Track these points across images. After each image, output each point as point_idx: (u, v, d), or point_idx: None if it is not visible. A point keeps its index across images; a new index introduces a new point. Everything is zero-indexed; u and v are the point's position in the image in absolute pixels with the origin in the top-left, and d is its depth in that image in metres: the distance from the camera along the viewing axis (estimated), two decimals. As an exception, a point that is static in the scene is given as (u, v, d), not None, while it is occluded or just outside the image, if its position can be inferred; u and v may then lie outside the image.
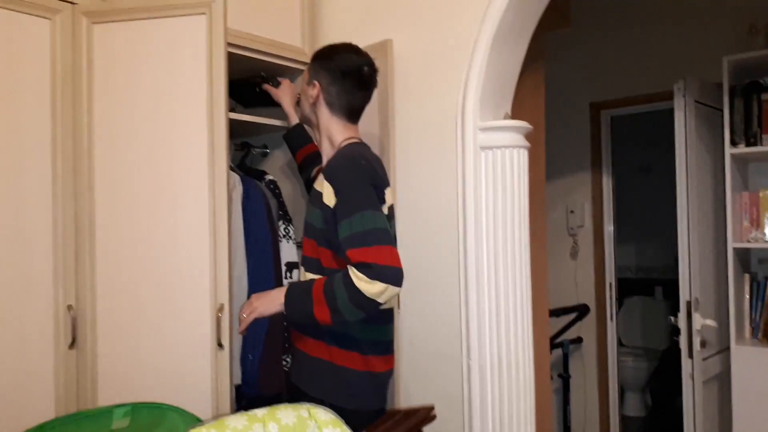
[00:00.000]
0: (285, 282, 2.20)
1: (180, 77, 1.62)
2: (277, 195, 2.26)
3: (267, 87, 2.14)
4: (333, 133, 1.66)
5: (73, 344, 1.61)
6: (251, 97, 2.21)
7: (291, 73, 2.28)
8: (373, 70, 1.67)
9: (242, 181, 2.07)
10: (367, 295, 1.40)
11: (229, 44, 1.73)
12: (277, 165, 2.38)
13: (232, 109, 2.15)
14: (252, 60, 2.08)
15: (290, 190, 2.31)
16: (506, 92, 1.97)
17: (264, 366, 2.00)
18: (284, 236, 2.24)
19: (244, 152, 2.34)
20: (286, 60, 2.20)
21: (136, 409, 1.39)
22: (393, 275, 1.40)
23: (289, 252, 2.25)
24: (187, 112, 1.61)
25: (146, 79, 1.62)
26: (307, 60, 2.25)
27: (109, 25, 1.62)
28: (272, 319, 2.05)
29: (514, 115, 2.01)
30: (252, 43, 2.03)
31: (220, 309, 1.58)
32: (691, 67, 3.01)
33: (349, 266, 1.43)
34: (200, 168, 1.60)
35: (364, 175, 1.51)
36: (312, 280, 1.52)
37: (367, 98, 1.70)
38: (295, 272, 2.24)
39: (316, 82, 1.65)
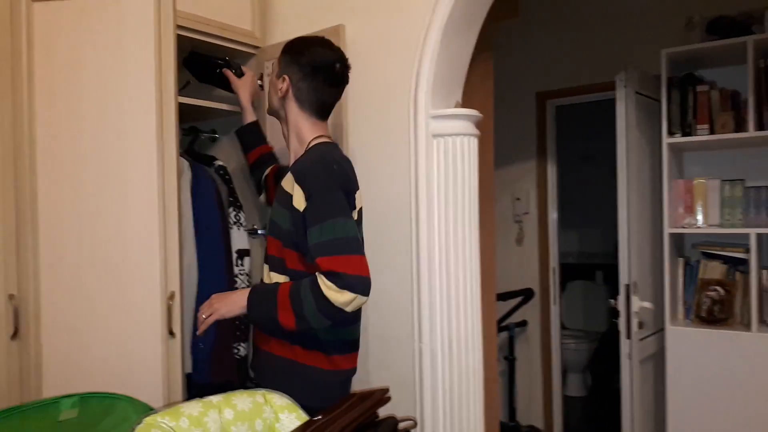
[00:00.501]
0: (236, 269, 2.19)
1: (127, 59, 1.57)
2: (227, 181, 2.23)
3: (227, 73, 2.07)
4: (302, 130, 1.63)
5: (15, 335, 1.56)
6: (209, 76, 2.16)
7: (241, 57, 2.25)
8: (345, 67, 1.64)
9: (191, 167, 2.04)
10: (335, 304, 1.39)
11: (178, 26, 1.69)
12: (227, 150, 2.35)
13: (183, 87, 2.11)
14: (201, 42, 2.04)
15: (240, 175, 2.29)
16: (457, 81, 2.00)
17: (215, 354, 1.99)
18: (235, 223, 2.22)
19: (192, 137, 2.29)
20: (236, 43, 2.17)
21: (85, 399, 1.36)
22: (362, 285, 1.40)
23: (239, 239, 2.23)
24: (135, 95, 1.57)
25: (91, 60, 1.57)
26: (258, 44, 2.24)
27: (50, 3, 1.55)
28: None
29: (464, 103, 2.04)
30: (201, 25, 1.99)
31: (171, 297, 1.55)
32: (631, 58, 3.12)
33: (318, 274, 1.42)
34: (149, 153, 1.56)
35: (336, 180, 1.49)
36: (277, 284, 1.51)
37: (338, 95, 1.67)
38: (246, 260, 2.23)
39: (286, 76, 1.61)
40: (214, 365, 1.96)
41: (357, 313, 1.62)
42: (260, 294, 1.50)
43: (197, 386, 1.89)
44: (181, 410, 1.16)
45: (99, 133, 1.57)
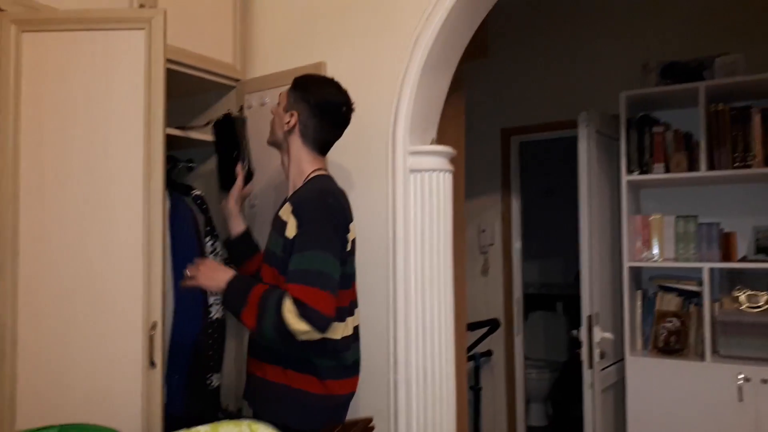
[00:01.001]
0: (211, 299, 2.19)
1: (116, 91, 1.59)
2: (205, 210, 2.25)
3: (239, 172, 1.95)
4: (302, 163, 1.69)
5: (-11, 365, 1.53)
6: (227, 150, 2.01)
7: (221, 89, 2.29)
8: (350, 110, 1.71)
9: (169, 196, 2.05)
10: (289, 328, 1.44)
11: (165, 59, 1.72)
12: (204, 179, 2.36)
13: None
14: (184, 75, 2.07)
15: (217, 205, 2.30)
16: (433, 118, 2.09)
17: (189, 385, 1.98)
18: (211, 252, 2.23)
19: (170, 166, 2.30)
20: (216, 76, 2.21)
21: (64, 430, 1.34)
22: (320, 322, 1.45)
23: (215, 268, 2.23)
24: (123, 126, 1.58)
25: (80, 90, 1.58)
26: (238, 77, 2.28)
27: (40, 34, 1.57)
28: (197, 339, 2.03)
29: (438, 140, 2.12)
30: (185, 58, 2.03)
31: (153, 327, 1.55)
32: (592, 99, 3.29)
33: (286, 294, 1.47)
34: (135, 183, 1.58)
35: (330, 216, 1.55)
36: (256, 282, 1.59)
37: (339, 135, 1.74)
38: (221, 288, 2.23)
39: (295, 112, 1.67)
40: (188, 397, 1.96)
41: (348, 340, 1.64)
42: (239, 283, 1.58)
43: (170, 418, 1.87)
44: (170, 441, 1.16)
45: (85, 164, 1.58)
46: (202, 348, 2.03)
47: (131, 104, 1.58)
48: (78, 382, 1.53)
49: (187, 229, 2.09)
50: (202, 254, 2.12)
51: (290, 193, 1.70)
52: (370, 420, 1.33)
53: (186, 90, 2.28)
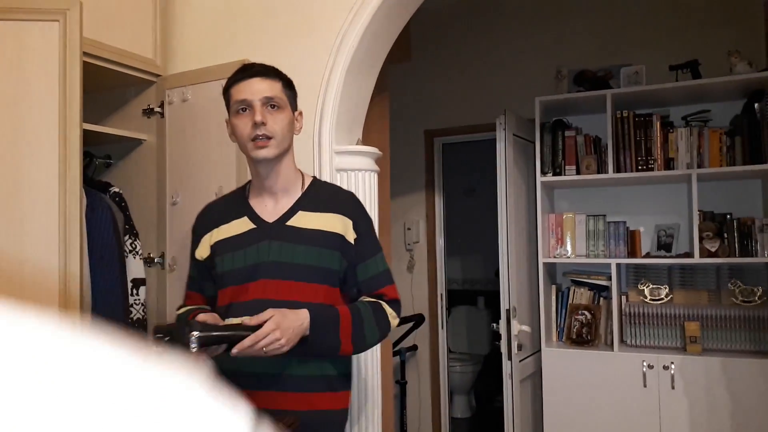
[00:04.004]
0: (131, 299, 2.14)
1: (29, 84, 1.53)
2: (124, 208, 2.19)
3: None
4: (295, 166, 1.57)
5: None
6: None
7: (141, 84, 2.24)
8: None
9: (86, 193, 1.98)
10: (391, 330, 1.50)
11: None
12: (122, 176, 2.30)
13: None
14: (101, 69, 2.01)
15: (137, 202, 2.24)
16: (358, 119, 2.13)
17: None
18: (131, 251, 2.18)
19: (86, 162, 2.23)
20: (136, 71, 2.16)
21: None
22: (400, 310, 1.55)
23: (136, 268, 2.18)
24: (37, 121, 1.53)
25: (-11, 83, 1.52)
26: (159, 72, 2.24)
27: (-56, 22, 1.49)
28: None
29: (363, 140, 2.17)
30: (103, 52, 1.97)
31: (71, 327, 1.51)
32: (509, 103, 3.43)
33: (379, 301, 1.48)
34: (50, 179, 1.53)
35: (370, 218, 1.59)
36: (333, 308, 1.43)
37: None
38: (141, 289, 2.18)
39: (301, 111, 1.58)
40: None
41: None
42: (321, 317, 1.39)
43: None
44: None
45: (-5, 159, 1.51)
46: (123, 349, 1.98)
47: (46, 98, 1.53)
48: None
49: (106, 227, 2.03)
50: (121, 253, 2.06)
51: (281, 198, 1.52)
52: (298, 417, 1.34)
53: (104, 84, 2.21)
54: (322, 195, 1.55)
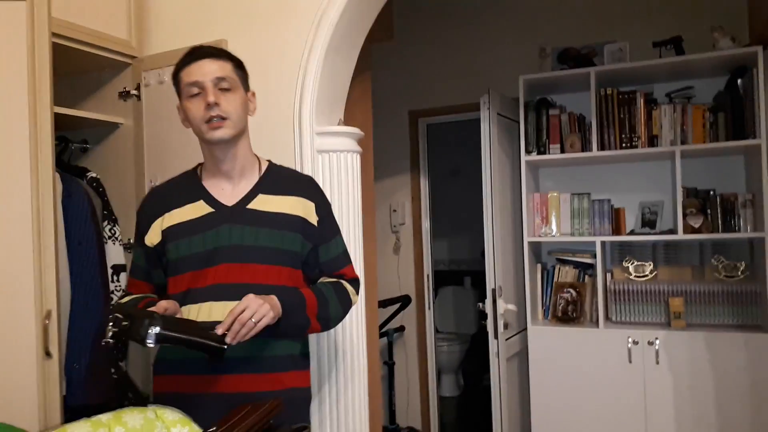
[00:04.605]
0: (111, 286, 2.11)
1: (-5, 66, 1.48)
2: (101, 194, 2.16)
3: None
4: (251, 148, 1.55)
5: None
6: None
7: (116, 67, 2.19)
8: None
9: (62, 179, 1.94)
10: (352, 305, 1.56)
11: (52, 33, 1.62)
12: (99, 161, 2.25)
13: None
14: (74, 51, 1.96)
15: (115, 187, 2.20)
16: (339, 99, 2.10)
17: (91, 374, 1.90)
18: (110, 237, 2.15)
19: (62, 147, 2.18)
20: (110, 52, 2.11)
21: (-50, 430, 1.26)
22: (359, 287, 1.62)
23: (115, 254, 2.16)
24: (4, 105, 1.48)
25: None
26: (134, 53, 2.19)
27: None
28: (98, 327, 1.95)
29: (346, 121, 2.14)
30: (75, 33, 1.92)
31: (47, 315, 1.48)
32: (493, 82, 3.40)
33: (340, 281, 1.54)
34: (21, 165, 1.48)
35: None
36: (298, 290, 1.46)
37: None
38: (122, 275, 2.16)
39: (254, 92, 1.54)
40: (91, 386, 1.88)
41: None
42: (290, 299, 1.41)
43: (72, 409, 1.80)
44: (68, 431, 1.12)
45: (-37, 144, 1.47)
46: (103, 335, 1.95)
47: (13, 82, 1.48)
48: (-36, 378, 1.44)
49: (84, 213, 1.98)
50: (100, 239, 2.03)
51: (238, 182, 1.50)
52: (280, 400, 1.33)
53: (78, 67, 2.16)
54: (282, 178, 1.55)
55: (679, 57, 2.87)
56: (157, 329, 1.20)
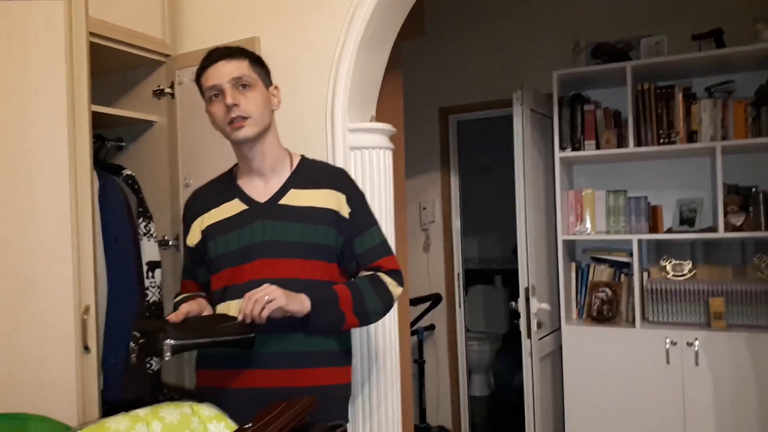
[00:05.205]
0: (146, 282, 2.13)
1: (35, 67, 1.50)
2: (137, 191, 2.18)
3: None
4: (280, 144, 1.56)
5: None
6: None
7: (150, 65, 2.21)
8: None
9: (98, 176, 1.97)
10: (394, 299, 1.50)
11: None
12: (134, 159, 2.28)
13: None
14: (109, 50, 1.98)
15: (150, 185, 2.22)
16: (372, 95, 2.08)
17: (127, 369, 1.92)
18: (145, 234, 2.16)
19: (98, 145, 2.21)
20: (145, 51, 2.13)
21: (-8, 422, 1.28)
22: (402, 281, 1.54)
23: (150, 251, 2.17)
24: (44, 104, 1.50)
25: (-5, 66, 1.49)
26: (168, 52, 2.20)
27: (-52, 4, 1.46)
28: (136, 319, 1.97)
29: (377, 118, 2.12)
30: (110, 32, 1.93)
31: (86, 311, 1.50)
32: (526, 78, 3.35)
33: (378, 273, 1.49)
34: (60, 163, 1.51)
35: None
36: (330, 287, 1.44)
37: None
38: (157, 272, 2.17)
39: (277, 86, 1.54)
40: (127, 381, 1.90)
41: None
42: (319, 293, 1.40)
43: (108, 403, 1.82)
44: (107, 425, 1.13)
45: (5, 144, 1.49)
46: (140, 332, 1.97)
47: (53, 81, 1.50)
48: (7, 370, 1.46)
49: (119, 210, 2.01)
50: (136, 236, 2.05)
51: (270, 178, 1.52)
52: (314, 399, 1.33)
53: (113, 66, 2.18)
54: (313, 172, 1.55)
55: (719, 50, 2.78)
56: (171, 341, 1.21)
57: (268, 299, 1.29)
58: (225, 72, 1.42)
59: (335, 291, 1.43)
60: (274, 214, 1.46)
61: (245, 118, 1.42)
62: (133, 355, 1.25)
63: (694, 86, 3.00)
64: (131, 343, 1.25)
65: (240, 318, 1.30)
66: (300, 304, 1.35)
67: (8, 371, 1.47)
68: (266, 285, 1.32)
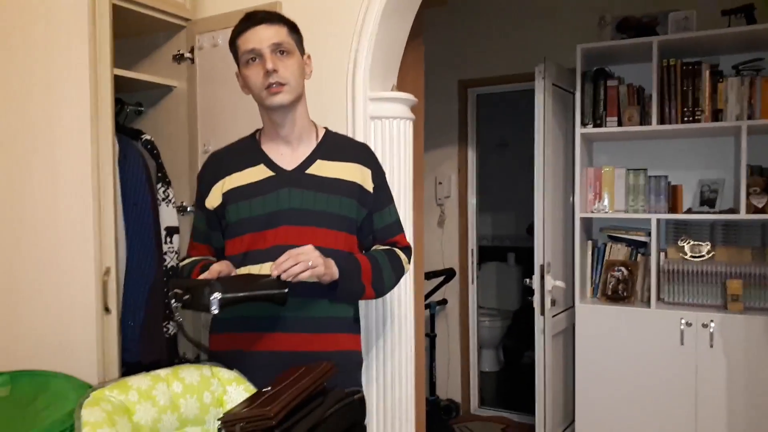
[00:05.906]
0: (165, 247, 2.14)
1: (57, 29, 1.49)
2: (156, 156, 2.17)
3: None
4: (308, 115, 1.55)
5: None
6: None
7: (170, 29, 2.18)
8: None
9: (118, 140, 1.96)
10: (405, 273, 1.58)
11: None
12: (153, 124, 2.27)
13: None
14: (131, 13, 1.96)
15: (168, 150, 2.22)
16: (393, 65, 2.05)
17: (145, 332, 1.95)
18: (164, 199, 2.17)
19: (118, 109, 2.20)
20: (165, 14, 2.11)
21: (15, 377, 1.30)
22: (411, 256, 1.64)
23: (169, 216, 2.18)
24: (67, 65, 1.50)
25: (16, 29, 1.48)
26: (188, 16, 2.18)
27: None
28: (152, 287, 1.99)
29: (398, 88, 2.09)
30: (130, -6, 1.91)
31: (107, 272, 1.51)
32: (548, 52, 3.29)
33: (394, 248, 1.56)
34: (82, 126, 1.50)
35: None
36: (353, 256, 1.48)
37: None
38: (175, 237, 2.18)
39: (309, 54, 1.53)
40: (145, 343, 1.92)
41: None
42: (347, 264, 1.43)
43: (127, 365, 1.85)
44: (129, 383, 1.14)
45: (28, 106, 1.50)
46: (158, 295, 1.99)
47: (75, 43, 1.49)
48: (30, 330, 1.48)
49: (139, 175, 2.01)
50: (155, 201, 2.06)
51: (297, 146, 1.51)
52: (332, 363, 1.34)
53: (133, 29, 2.17)
54: (339, 145, 1.56)
55: (750, 26, 2.71)
56: (218, 295, 1.21)
57: (311, 264, 1.30)
58: (265, 36, 1.41)
59: (359, 262, 1.46)
60: (301, 182, 1.46)
61: (282, 84, 1.41)
62: (176, 314, 1.27)
63: (722, 63, 2.93)
64: (173, 301, 1.25)
65: (274, 274, 1.30)
66: (331, 271, 1.37)
67: (33, 330, 1.49)
68: (310, 248, 1.33)
